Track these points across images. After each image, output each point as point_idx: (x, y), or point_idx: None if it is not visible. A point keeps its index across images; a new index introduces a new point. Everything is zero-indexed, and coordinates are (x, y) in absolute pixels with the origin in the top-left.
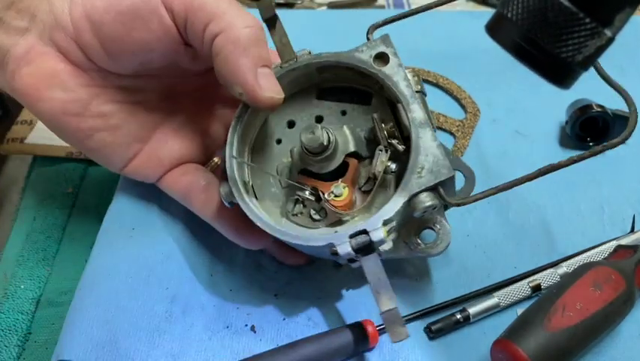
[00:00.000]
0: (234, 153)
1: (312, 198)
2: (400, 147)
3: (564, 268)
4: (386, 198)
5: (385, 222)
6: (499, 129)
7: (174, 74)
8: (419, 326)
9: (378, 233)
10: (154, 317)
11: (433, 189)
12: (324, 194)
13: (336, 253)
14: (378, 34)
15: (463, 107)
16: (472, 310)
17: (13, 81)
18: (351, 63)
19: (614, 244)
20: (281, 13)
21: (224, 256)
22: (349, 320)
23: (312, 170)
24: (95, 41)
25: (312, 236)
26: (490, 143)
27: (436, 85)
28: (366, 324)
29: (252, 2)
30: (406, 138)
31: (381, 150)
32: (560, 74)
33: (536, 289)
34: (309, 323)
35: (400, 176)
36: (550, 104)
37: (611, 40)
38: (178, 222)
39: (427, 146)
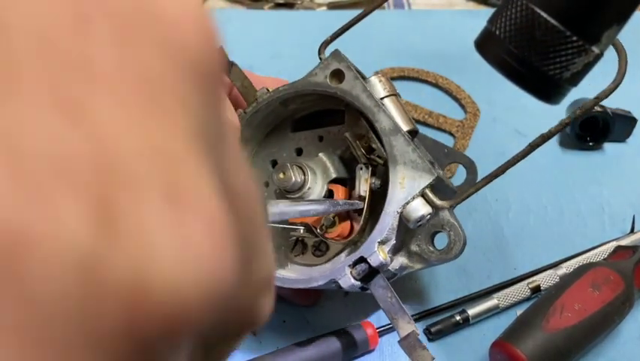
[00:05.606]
0: None
1: (307, 235)
2: (380, 160)
3: (564, 269)
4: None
5: (382, 242)
6: (499, 129)
7: None
8: (419, 327)
9: (376, 257)
10: None
11: (422, 195)
12: (316, 228)
13: (340, 288)
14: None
15: (462, 107)
16: (472, 311)
17: None
18: (308, 89)
19: (614, 244)
20: (281, 13)
21: None
22: (349, 323)
23: None
24: None
25: (312, 277)
26: (490, 143)
27: (436, 85)
28: (366, 326)
29: (252, 3)
30: None
31: (361, 169)
32: (548, 91)
33: (536, 290)
34: (308, 325)
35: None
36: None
37: (599, 56)
38: None
39: (402, 153)
